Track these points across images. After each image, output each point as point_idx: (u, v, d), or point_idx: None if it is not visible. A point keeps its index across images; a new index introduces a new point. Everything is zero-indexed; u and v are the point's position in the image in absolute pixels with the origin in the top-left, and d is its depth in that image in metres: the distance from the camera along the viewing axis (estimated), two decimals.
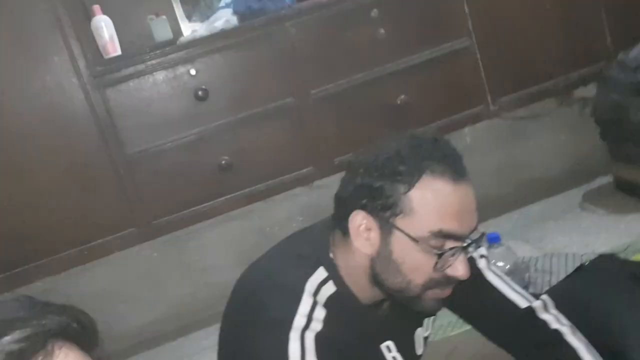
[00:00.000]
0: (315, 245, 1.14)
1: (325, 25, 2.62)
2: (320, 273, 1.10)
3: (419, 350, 1.24)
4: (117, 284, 2.68)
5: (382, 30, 2.63)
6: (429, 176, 1.01)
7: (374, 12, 2.62)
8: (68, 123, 2.50)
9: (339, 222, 1.10)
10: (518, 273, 2.07)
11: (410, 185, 1.01)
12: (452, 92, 2.76)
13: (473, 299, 1.21)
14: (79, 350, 0.60)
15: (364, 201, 1.05)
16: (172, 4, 2.81)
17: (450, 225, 1.00)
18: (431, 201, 1.00)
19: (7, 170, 2.47)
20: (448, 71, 2.74)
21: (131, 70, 2.49)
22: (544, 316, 1.21)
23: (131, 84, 2.51)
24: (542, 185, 2.94)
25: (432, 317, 1.26)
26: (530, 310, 1.21)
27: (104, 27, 2.54)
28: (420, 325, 1.24)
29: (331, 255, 1.12)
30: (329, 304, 1.07)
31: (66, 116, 2.50)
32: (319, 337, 1.03)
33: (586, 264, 1.91)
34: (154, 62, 2.50)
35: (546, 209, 2.86)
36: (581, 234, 2.54)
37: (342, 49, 2.65)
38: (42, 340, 0.56)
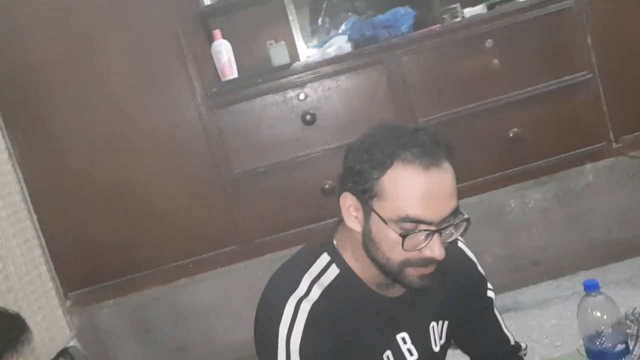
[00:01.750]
0: (324, 235, 1.26)
1: (437, 54, 2.60)
2: (324, 258, 1.20)
3: (436, 348, 1.28)
4: (222, 299, 2.76)
5: (496, 61, 2.56)
6: (400, 164, 1.08)
7: (489, 42, 2.56)
8: (181, 140, 2.64)
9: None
10: (619, 327, 1.91)
11: (383, 172, 1.09)
12: (569, 127, 2.62)
13: (479, 325, 1.36)
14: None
15: (350, 184, 1.14)
16: (292, 30, 2.90)
17: (416, 211, 1.07)
18: (399, 188, 1.08)
19: (122, 181, 2.63)
20: (566, 105, 2.61)
21: (243, 92, 2.60)
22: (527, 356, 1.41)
23: (242, 105, 2.61)
24: None
25: (445, 322, 1.31)
26: (519, 347, 1.39)
27: (223, 50, 2.66)
28: (436, 319, 1.29)
29: (335, 242, 1.22)
30: (333, 285, 1.17)
31: (180, 133, 2.64)
32: (313, 311, 1.13)
33: None
34: (265, 85, 2.59)
35: None
36: None
37: (453, 78, 2.61)
38: None
